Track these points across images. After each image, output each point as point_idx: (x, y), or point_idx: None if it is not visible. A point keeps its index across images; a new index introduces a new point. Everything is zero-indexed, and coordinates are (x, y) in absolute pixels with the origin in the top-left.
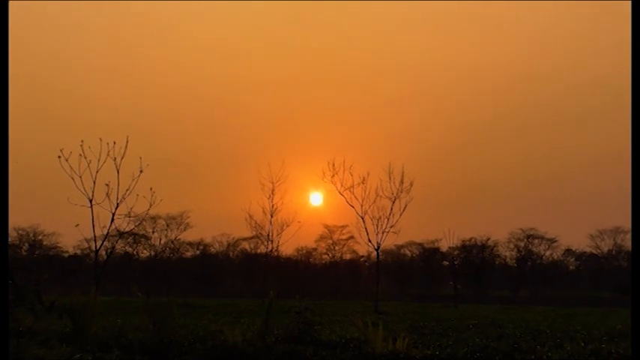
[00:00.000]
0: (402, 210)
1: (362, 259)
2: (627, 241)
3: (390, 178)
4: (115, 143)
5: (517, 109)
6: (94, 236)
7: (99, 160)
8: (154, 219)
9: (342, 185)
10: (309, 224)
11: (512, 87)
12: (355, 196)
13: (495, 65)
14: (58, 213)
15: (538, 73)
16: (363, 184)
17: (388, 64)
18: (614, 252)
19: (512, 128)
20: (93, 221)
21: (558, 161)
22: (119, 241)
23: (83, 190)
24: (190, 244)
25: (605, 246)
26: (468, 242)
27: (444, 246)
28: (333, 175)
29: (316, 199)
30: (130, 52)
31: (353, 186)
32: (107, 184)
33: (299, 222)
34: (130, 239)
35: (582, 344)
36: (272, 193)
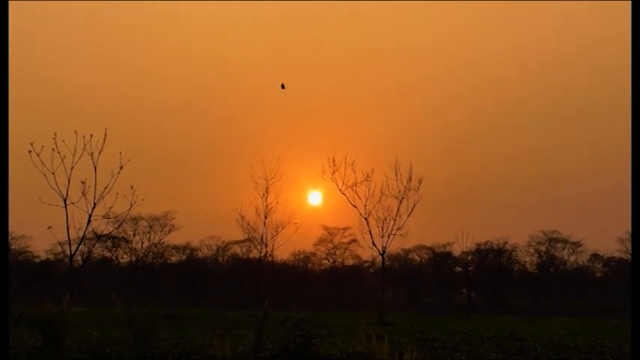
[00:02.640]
0: (410, 210)
1: (366, 265)
2: None
3: (396, 175)
4: (92, 136)
5: (537, 97)
6: (69, 239)
7: (74, 155)
8: (136, 220)
9: (343, 183)
10: (307, 226)
11: (531, 74)
12: (358, 195)
13: (512, 51)
14: (28, 214)
15: (556, 61)
16: (367, 181)
17: (395, 49)
18: None
19: (533, 119)
20: (67, 223)
21: (584, 156)
22: (96, 244)
23: (56, 189)
24: (175, 248)
25: None
26: (483, 246)
27: (457, 250)
28: (334, 172)
29: (315, 198)
30: (108, 36)
31: (355, 184)
32: (83, 182)
33: (296, 223)
34: (109, 243)
35: None
36: (266, 192)
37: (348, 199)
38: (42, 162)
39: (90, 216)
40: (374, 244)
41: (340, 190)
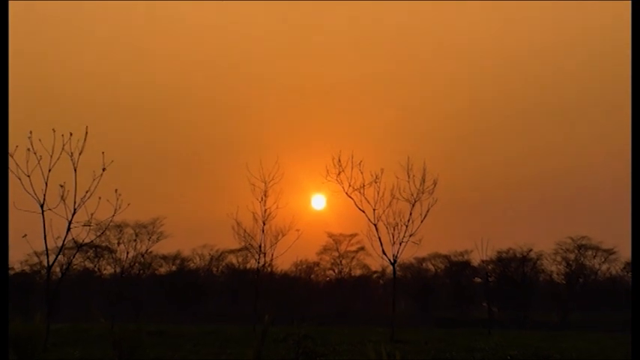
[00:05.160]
0: (423, 215)
1: (375, 276)
2: None
3: (408, 176)
4: (71, 135)
5: (564, 90)
6: (46, 249)
7: (52, 156)
8: (120, 227)
9: (349, 185)
10: (310, 233)
11: (556, 69)
12: (366, 199)
13: (536, 42)
14: None
15: (578, 60)
16: (376, 183)
17: (407, 37)
18: None
19: (559, 113)
20: (45, 231)
21: (615, 155)
22: (77, 254)
23: (32, 193)
24: (165, 257)
25: None
26: (505, 254)
27: (476, 259)
28: (339, 173)
29: (318, 202)
30: (103, 35)
31: (363, 186)
32: (62, 186)
33: (298, 230)
34: (91, 252)
35: None
36: (264, 196)
37: (354, 202)
38: (16, 164)
39: (69, 223)
40: (384, 252)
41: (346, 192)
